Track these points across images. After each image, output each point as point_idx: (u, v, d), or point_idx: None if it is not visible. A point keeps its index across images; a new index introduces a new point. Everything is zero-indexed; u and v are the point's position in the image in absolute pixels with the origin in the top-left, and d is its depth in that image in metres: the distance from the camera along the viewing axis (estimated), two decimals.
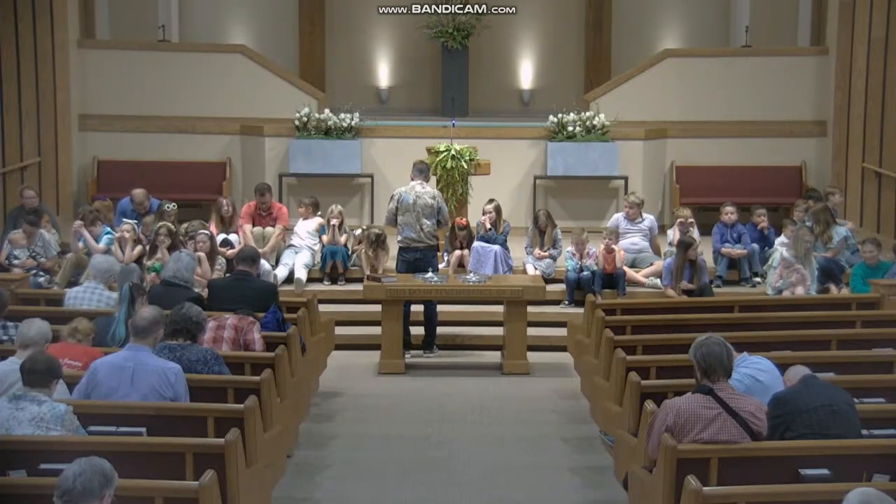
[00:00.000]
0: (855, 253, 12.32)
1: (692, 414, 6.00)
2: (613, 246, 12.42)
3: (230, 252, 12.01)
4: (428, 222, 11.44)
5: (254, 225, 13.20)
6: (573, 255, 12.43)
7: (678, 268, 11.88)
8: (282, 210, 13.53)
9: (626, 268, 12.48)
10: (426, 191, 11.59)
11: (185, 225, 12.40)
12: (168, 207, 12.72)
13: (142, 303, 8.11)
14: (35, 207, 13.12)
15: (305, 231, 13.05)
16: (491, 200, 12.88)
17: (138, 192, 13.45)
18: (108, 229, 12.55)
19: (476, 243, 12.52)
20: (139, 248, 12.07)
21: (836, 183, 15.12)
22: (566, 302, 12.28)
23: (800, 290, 11.48)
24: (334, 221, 12.82)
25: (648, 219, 13.31)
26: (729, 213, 13.01)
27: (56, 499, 4.47)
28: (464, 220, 12.73)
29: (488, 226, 12.58)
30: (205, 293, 9.65)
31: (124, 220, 12.73)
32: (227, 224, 13.09)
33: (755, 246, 12.83)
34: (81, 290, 9.70)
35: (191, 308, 7.37)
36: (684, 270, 11.89)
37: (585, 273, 12.27)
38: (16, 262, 12.08)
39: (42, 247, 12.33)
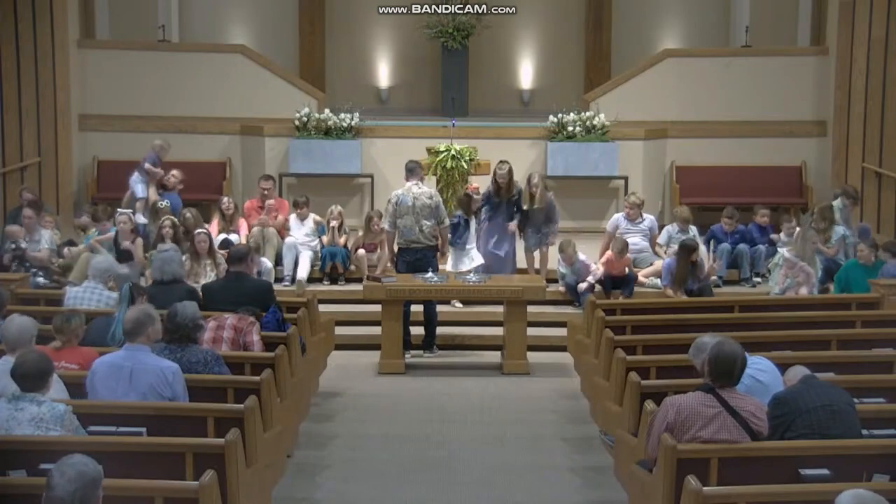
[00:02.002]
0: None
1: (692, 411, 6.00)
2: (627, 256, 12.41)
3: None
4: (427, 223, 11.43)
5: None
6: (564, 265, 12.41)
7: (680, 271, 11.78)
8: (283, 203, 13.63)
9: (634, 269, 12.45)
10: (423, 191, 11.58)
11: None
12: (161, 205, 12.78)
13: (142, 302, 8.10)
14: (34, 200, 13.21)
15: (303, 234, 13.01)
16: (504, 162, 12.66)
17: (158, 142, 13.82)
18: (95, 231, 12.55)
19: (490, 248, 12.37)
20: (140, 240, 12.09)
21: (835, 183, 15.14)
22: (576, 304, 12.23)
23: (804, 291, 11.45)
24: (334, 223, 12.83)
25: (648, 219, 13.31)
26: (727, 223, 13.05)
27: None
28: (474, 185, 12.45)
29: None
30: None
31: (119, 210, 12.74)
32: (228, 222, 13.09)
33: (760, 247, 12.90)
34: (81, 290, 9.70)
35: (184, 311, 7.32)
36: (687, 273, 11.80)
37: (584, 283, 12.22)
38: (13, 247, 12.12)
39: (38, 241, 12.30)
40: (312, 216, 13.18)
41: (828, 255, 12.32)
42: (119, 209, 12.78)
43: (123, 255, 12.02)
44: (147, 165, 13.63)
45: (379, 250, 12.63)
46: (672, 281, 11.85)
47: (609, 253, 12.32)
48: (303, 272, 12.65)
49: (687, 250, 11.83)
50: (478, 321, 12.22)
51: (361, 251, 12.70)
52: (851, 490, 4.47)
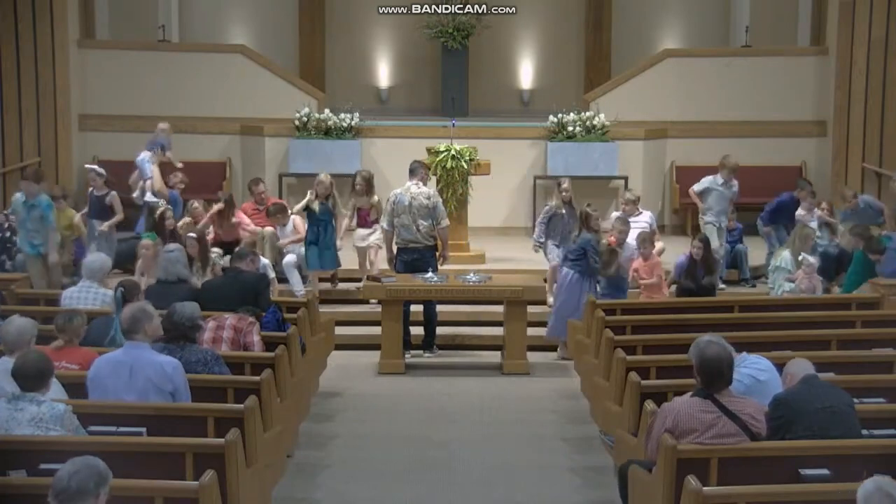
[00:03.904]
0: None
1: (691, 418, 5.96)
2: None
3: None
4: (424, 223, 11.43)
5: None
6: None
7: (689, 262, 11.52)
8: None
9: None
10: (422, 191, 11.57)
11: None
12: (161, 206, 12.79)
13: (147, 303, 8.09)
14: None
15: (289, 240, 12.79)
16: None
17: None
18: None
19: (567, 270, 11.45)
20: (115, 193, 12.46)
21: (836, 182, 15.19)
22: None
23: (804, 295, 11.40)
24: (317, 195, 12.28)
25: (646, 214, 13.13)
26: (731, 219, 13.12)
27: (51, 499, 4.43)
28: (612, 238, 11.66)
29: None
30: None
31: (87, 166, 12.88)
32: (224, 218, 12.94)
33: (742, 246, 13.08)
34: (76, 290, 9.67)
35: (182, 311, 7.32)
36: (695, 265, 11.45)
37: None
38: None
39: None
40: (293, 219, 12.93)
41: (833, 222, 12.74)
42: (86, 164, 12.83)
43: (98, 210, 12.25)
44: (168, 154, 13.87)
45: (376, 225, 12.24)
46: (679, 275, 11.55)
47: (636, 261, 11.68)
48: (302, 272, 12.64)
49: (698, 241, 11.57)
50: (478, 321, 12.22)
51: (371, 248, 12.41)
52: (873, 478, 4.58)
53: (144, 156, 13.61)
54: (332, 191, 12.45)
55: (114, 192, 12.62)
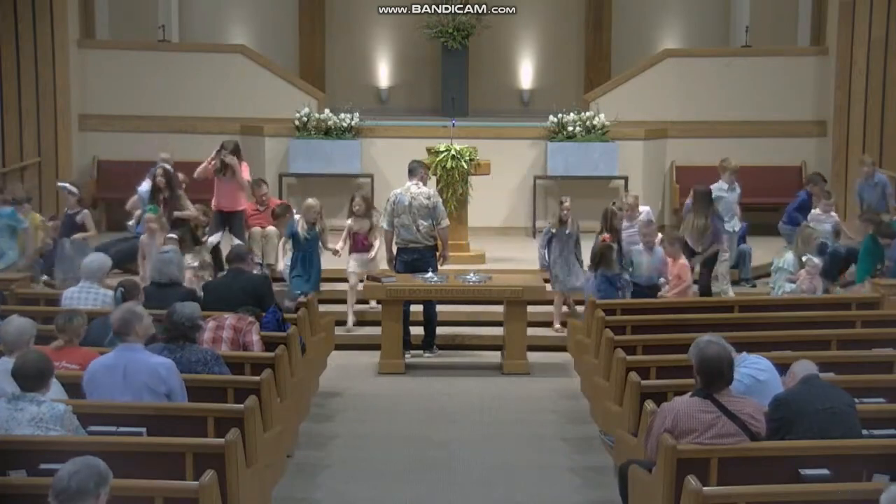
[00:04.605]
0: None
1: (691, 418, 5.97)
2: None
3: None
4: (424, 223, 11.43)
5: (251, 225, 13.17)
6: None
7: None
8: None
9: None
10: (422, 191, 11.57)
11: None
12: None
13: (136, 303, 8.09)
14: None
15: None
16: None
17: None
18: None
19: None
20: (87, 211, 12.59)
21: (836, 182, 15.17)
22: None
23: (804, 294, 11.39)
24: (308, 216, 11.76)
25: (644, 211, 13.04)
26: None
27: (51, 499, 4.43)
28: (606, 235, 11.66)
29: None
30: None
31: (59, 184, 12.94)
32: (230, 168, 12.82)
33: (746, 246, 13.05)
34: (77, 290, 9.65)
35: (182, 310, 7.32)
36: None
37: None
38: None
39: None
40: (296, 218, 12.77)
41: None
42: (59, 182, 12.85)
43: (69, 228, 12.36)
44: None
45: (375, 244, 11.98)
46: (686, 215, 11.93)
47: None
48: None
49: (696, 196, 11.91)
50: (478, 321, 12.21)
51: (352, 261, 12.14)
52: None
53: (146, 186, 13.46)
54: (321, 218, 11.90)
55: (86, 211, 12.66)
